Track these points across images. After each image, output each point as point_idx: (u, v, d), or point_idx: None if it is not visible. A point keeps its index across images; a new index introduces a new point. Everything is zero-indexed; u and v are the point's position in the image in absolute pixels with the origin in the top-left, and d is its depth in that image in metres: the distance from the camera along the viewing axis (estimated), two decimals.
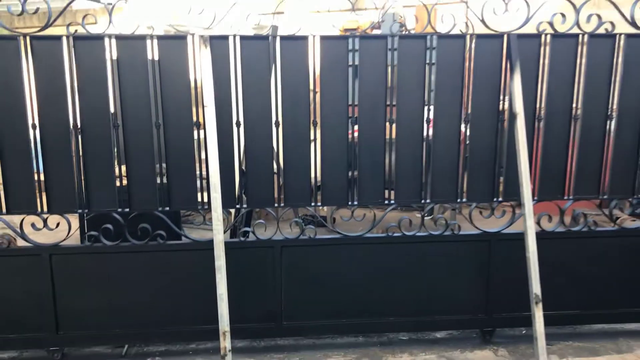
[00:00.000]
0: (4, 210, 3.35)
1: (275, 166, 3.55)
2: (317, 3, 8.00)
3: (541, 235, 3.59)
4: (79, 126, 3.26)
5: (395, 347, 3.71)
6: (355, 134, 3.50)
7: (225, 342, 3.07)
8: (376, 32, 7.37)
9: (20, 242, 3.49)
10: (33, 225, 3.37)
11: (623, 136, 3.54)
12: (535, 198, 3.58)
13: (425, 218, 3.65)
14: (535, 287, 3.14)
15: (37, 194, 3.35)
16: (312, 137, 3.43)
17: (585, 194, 3.62)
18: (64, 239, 3.47)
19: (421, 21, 4.45)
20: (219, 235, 3.11)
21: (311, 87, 3.41)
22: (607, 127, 3.53)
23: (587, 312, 3.78)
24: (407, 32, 7.30)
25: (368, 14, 7.39)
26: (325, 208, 6.37)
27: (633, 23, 3.38)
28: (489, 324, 3.75)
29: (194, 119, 3.35)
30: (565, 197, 3.62)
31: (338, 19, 3.60)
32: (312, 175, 3.49)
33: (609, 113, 3.51)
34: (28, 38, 3.15)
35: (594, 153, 3.56)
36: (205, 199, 3.46)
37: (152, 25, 4.73)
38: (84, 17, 3.23)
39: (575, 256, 3.70)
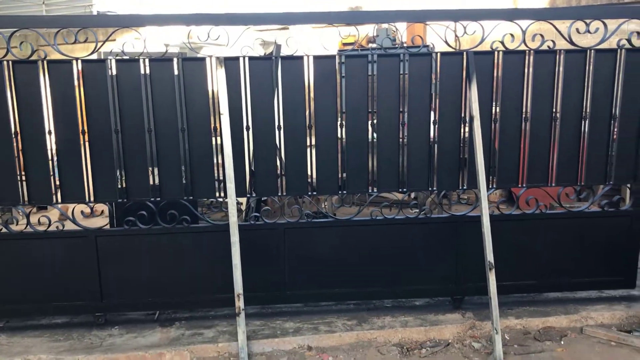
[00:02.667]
0: (59, 200, 4.13)
1: (278, 162, 4.30)
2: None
3: (501, 218, 4.36)
4: (119, 130, 4.05)
5: (380, 311, 4.46)
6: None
7: (240, 303, 3.83)
8: (372, 45, 8.15)
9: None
10: (82, 212, 4.17)
11: (566, 133, 4.26)
12: (494, 186, 4.33)
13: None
14: (489, 256, 3.86)
15: (86, 187, 4.13)
16: (307, 138, 4.18)
17: (537, 182, 4.35)
18: (106, 224, 4.27)
19: (411, 34, 5.12)
20: (233, 217, 3.87)
21: (307, 96, 4.17)
22: (553, 126, 4.25)
23: (541, 281, 4.50)
24: (400, 45, 8.04)
25: (365, 28, 8.14)
26: (325, 204, 7.11)
27: (570, 41, 4.11)
28: (458, 292, 4.48)
29: (212, 124, 4.12)
30: (520, 185, 4.35)
31: (338, 33, 4.40)
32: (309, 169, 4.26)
33: (554, 114, 4.24)
34: (80, 61, 3.95)
35: (543, 148, 4.29)
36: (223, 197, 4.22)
37: (169, 43, 5.54)
38: (124, 44, 4.00)
39: (530, 235, 4.42)
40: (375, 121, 4.22)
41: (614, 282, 4.56)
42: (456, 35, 4.13)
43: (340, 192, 4.31)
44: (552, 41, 4.12)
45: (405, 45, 8.04)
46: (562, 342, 4.03)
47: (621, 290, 4.65)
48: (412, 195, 7.42)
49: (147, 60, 4.01)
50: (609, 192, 4.67)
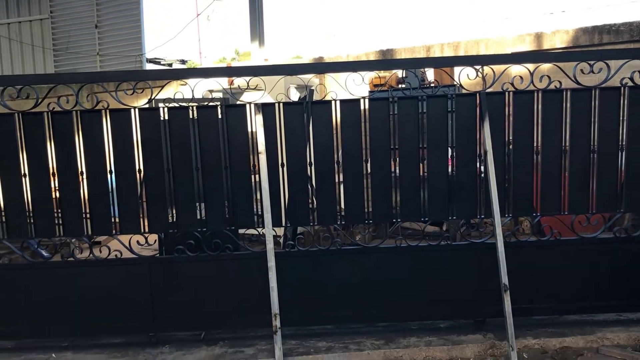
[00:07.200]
0: (118, 231, 4.69)
1: (310, 194, 4.75)
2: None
3: (517, 244, 4.69)
4: (170, 169, 4.60)
5: (406, 332, 4.79)
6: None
7: (276, 322, 4.25)
8: (401, 85, 8.64)
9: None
10: (138, 242, 4.71)
11: (576, 165, 4.60)
12: (511, 214, 4.68)
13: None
14: (504, 279, 4.20)
15: (141, 220, 4.68)
16: (336, 174, 4.65)
17: (550, 211, 4.68)
18: (156, 252, 4.80)
19: (438, 74, 5.62)
20: (270, 244, 4.34)
21: (335, 135, 4.65)
22: (563, 158, 4.60)
23: (558, 304, 4.77)
24: (428, 85, 8.52)
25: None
26: (359, 237, 7.52)
27: (576, 81, 4.48)
28: (479, 314, 4.78)
29: (252, 162, 4.64)
30: (535, 214, 4.69)
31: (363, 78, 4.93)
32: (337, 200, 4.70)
33: (563, 148, 4.59)
34: (137, 109, 4.54)
35: (554, 179, 4.63)
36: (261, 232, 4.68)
37: (213, 88, 6.12)
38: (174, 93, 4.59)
39: (547, 260, 4.72)
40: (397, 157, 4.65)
41: (629, 304, 4.80)
42: (483, 77, 4.52)
43: (366, 221, 4.73)
44: (559, 81, 4.50)
45: (432, 84, 8.54)
46: None
47: (639, 313, 4.88)
48: (445, 227, 7.77)
49: (194, 107, 4.57)
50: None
